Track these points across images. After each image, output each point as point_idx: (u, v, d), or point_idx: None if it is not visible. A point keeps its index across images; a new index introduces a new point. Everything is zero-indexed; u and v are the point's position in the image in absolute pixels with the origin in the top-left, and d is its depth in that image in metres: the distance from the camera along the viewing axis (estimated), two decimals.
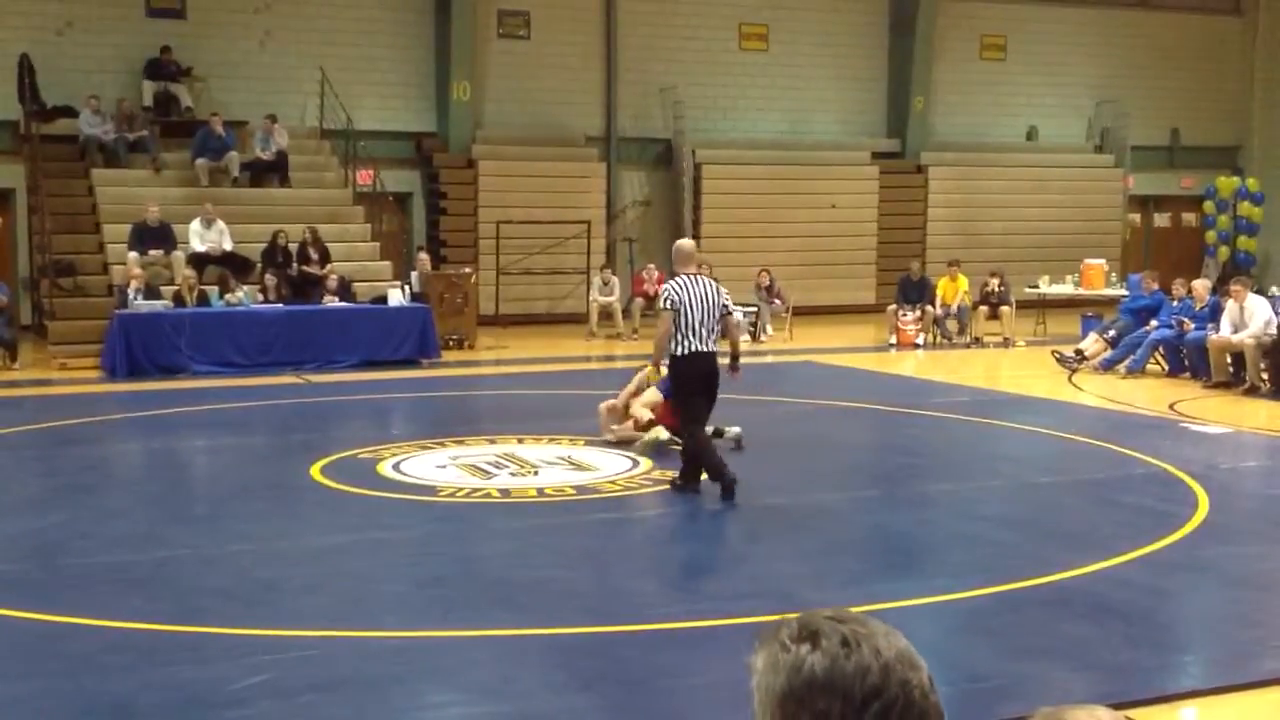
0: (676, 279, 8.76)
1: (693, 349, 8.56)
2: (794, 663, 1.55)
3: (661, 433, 10.21)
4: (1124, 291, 19.20)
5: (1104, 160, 26.71)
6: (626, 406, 10.82)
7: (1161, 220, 28.37)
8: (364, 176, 20.46)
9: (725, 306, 8.81)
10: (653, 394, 10.49)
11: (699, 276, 8.87)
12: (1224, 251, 26.50)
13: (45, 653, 5.78)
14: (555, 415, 11.97)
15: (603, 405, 10.96)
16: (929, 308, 19.08)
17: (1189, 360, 15.02)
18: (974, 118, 26.11)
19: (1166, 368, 15.46)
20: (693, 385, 8.70)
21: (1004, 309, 19.11)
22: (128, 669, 5.53)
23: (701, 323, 8.57)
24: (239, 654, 5.64)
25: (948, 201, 25.34)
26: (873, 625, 1.59)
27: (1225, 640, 6.15)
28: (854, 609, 1.65)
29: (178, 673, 5.44)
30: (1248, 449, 11.30)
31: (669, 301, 8.60)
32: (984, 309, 19.29)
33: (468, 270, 19.71)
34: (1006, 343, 18.82)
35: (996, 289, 19.29)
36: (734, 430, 10.59)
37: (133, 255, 16.83)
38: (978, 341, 19.08)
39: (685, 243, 9.32)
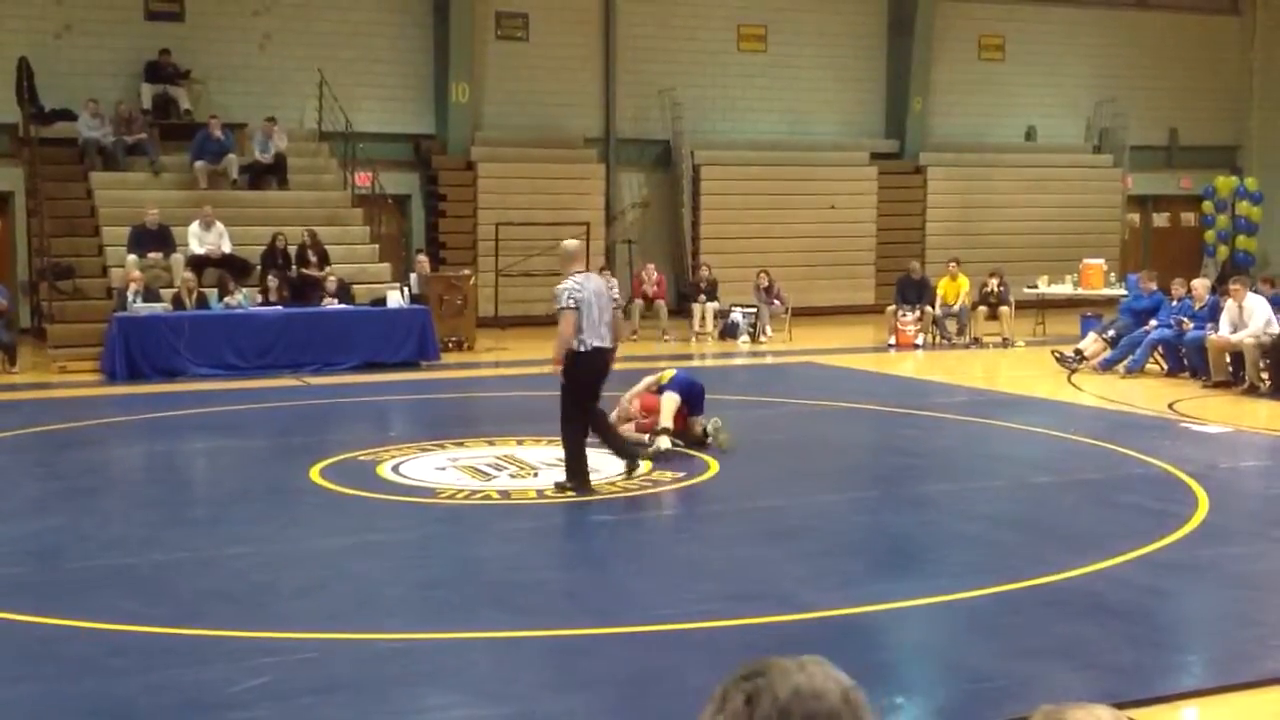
0: (572, 279, 8.91)
1: (594, 345, 8.80)
2: None
3: (664, 442, 10.21)
4: (1123, 291, 19.20)
5: (1103, 160, 26.71)
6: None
7: (1160, 220, 28.38)
8: (363, 179, 20.46)
9: (615, 301, 9.17)
10: (671, 399, 10.44)
11: (590, 275, 9.13)
12: (1223, 251, 26.51)
13: (45, 656, 5.78)
14: (554, 417, 11.92)
15: (625, 399, 10.90)
16: (928, 308, 19.09)
17: (1188, 360, 15.02)
18: (972, 118, 26.11)
19: (1165, 367, 15.46)
20: (589, 379, 8.93)
21: (1003, 309, 19.11)
22: (127, 672, 5.53)
23: (600, 320, 8.82)
24: (238, 657, 5.63)
25: (946, 202, 25.36)
26: (775, 673, 1.65)
27: (1225, 640, 6.15)
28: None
29: (177, 676, 5.44)
30: (1247, 449, 11.30)
31: (572, 300, 8.77)
32: (983, 309, 19.29)
33: (467, 272, 19.70)
34: (1006, 343, 18.82)
35: (996, 289, 19.29)
36: (713, 421, 10.55)
37: (131, 258, 16.82)
38: (977, 342, 19.08)
39: (572, 243, 9.55)
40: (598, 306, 8.82)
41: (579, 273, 8.99)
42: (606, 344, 8.88)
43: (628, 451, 9.39)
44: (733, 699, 1.64)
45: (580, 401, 8.97)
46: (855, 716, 1.64)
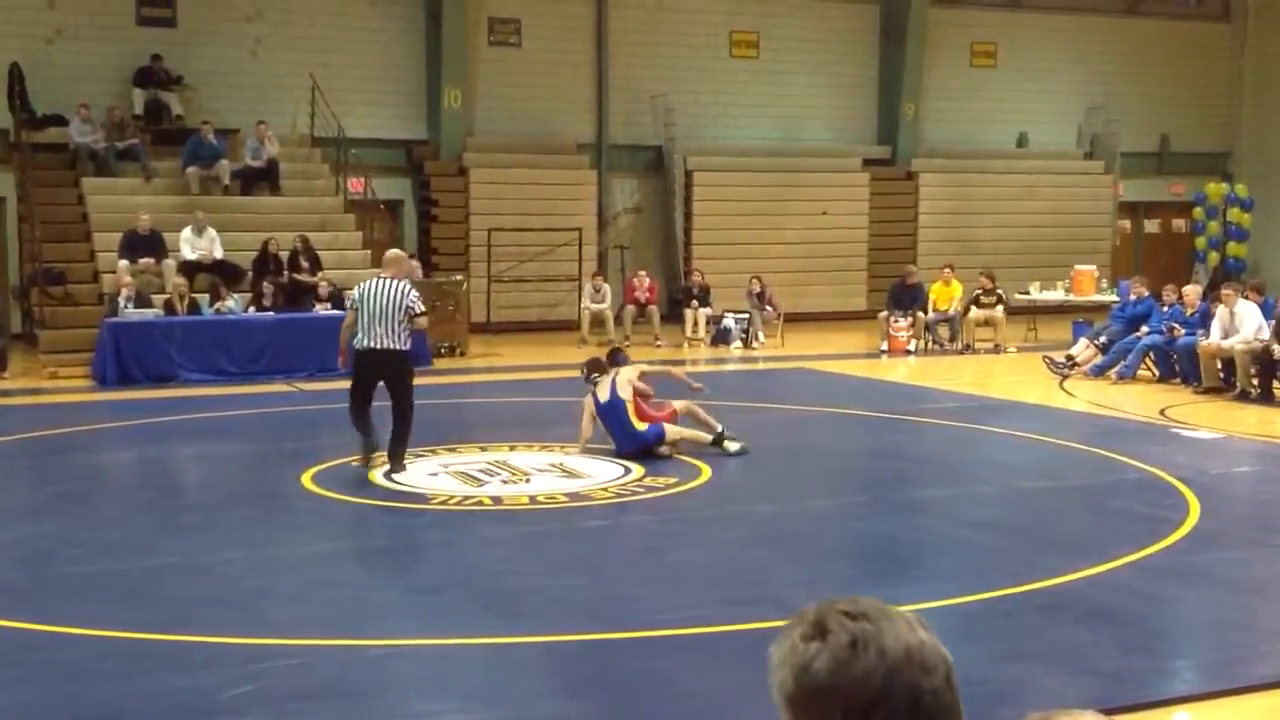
0: (367, 281, 9.83)
1: (364, 345, 9.61)
2: (801, 662, 1.51)
3: (732, 444, 10.46)
4: (1114, 297, 19.22)
5: (1094, 167, 26.77)
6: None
7: (1151, 226, 28.45)
8: (355, 184, 20.44)
9: (409, 309, 9.59)
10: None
11: (386, 280, 9.68)
12: (1214, 257, 26.57)
13: (34, 661, 5.76)
14: (547, 422, 11.95)
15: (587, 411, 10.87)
16: (920, 314, 19.09)
17: (1179, 366, 15.05)
18: (965, 124, 26.15)
19: (1157, 373, 15.49)
20: (362, 373, 9.80)
21: (994, 315, 19.08)
22: (117, 678, 5.51)
23: (374, 322, 9.51)
24: (228, 663, 5.62)
25: (938, 208, 25.38)
26: (885, 622, 1.52)
27: (1217, 645, 6.16)
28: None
29: (167, 681, 5.43)
30: (1238, 454, 11.32)
31: (349, 301, 9.95)
32: (975, 313, 19.18)
33: (459, 278, 19.68)
34: (998, 348, 18.84)
35: (991, 287, 19.23)
36: (734, 445, 10.51)
37: (123, 263, 16.79)
38: (969, 348, 19.09)
39: (391, 251, 10.48)
40: (374, 310, 9.48)
41: (381, 277, 9.73)
42: (378, 346, 9.49)
43: (370, 446, 9.90)
44: (836, 634, 1.49)
45: (355, 390, 9.84)
46: (954, 702, 1.50)
